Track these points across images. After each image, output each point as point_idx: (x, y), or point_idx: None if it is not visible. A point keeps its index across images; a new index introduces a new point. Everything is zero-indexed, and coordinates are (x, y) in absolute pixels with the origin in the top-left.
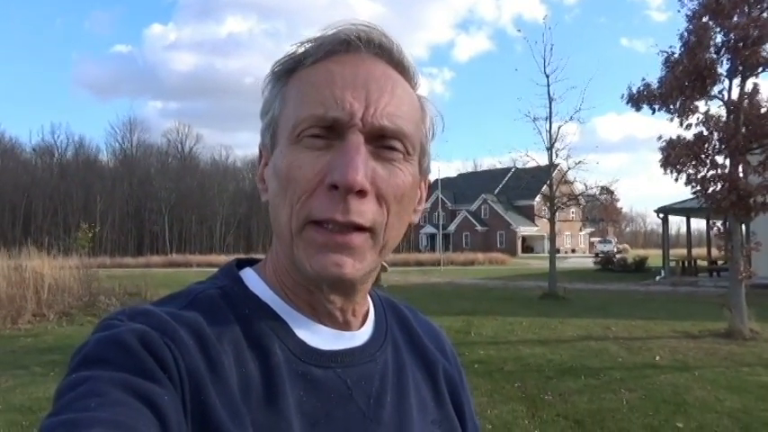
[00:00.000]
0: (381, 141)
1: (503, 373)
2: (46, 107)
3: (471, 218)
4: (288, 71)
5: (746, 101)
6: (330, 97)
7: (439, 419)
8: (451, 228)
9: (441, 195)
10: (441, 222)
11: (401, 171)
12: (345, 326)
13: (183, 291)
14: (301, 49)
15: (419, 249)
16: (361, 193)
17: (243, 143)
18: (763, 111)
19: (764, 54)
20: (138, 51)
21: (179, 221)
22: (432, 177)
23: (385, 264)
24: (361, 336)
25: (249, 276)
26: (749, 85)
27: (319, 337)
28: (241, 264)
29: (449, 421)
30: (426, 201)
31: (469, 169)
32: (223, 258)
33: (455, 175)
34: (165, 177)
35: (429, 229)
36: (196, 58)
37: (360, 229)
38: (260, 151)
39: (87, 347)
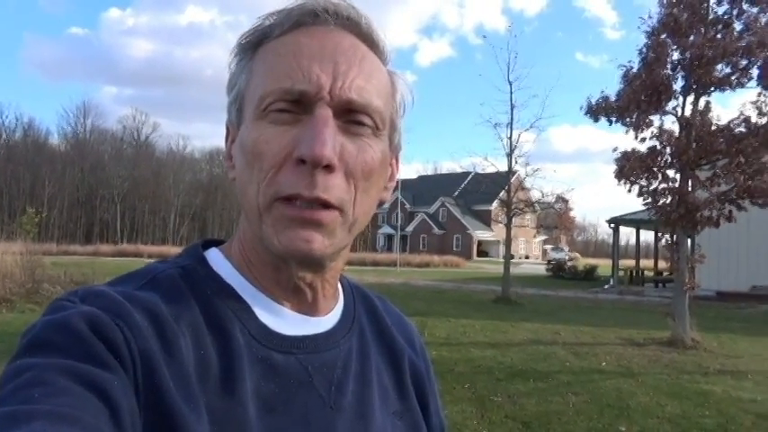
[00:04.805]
0: (350, 116)
1: (454, 374)
2: None
3: (429, 220)
4: (254, 44)
5: (698, 118)
6: (297, 69)
7: (401, 411)
8: (409, 229)
9: (400, 196)
10: (399, 223)
11: (370, 147)
12: (313, 307)
13: (142, 269)
14: (268, 22)
15: (376, 249)
16: (329, 168)
17: (202, 134)
18: (713, 128)
19: (717, 74)
20: (94, 35)
21: (131, 210)
22: None
23: None
24: (327, 322)
25: (214, 256)
26: (702, 103)
27: (283, 322)
28: (209, 244)
29: (411, 413)
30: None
31: (429, 172)
32: (176, 250)
33: (415, 177)
34: (118, 164)
35: (386, 230)
36: (155, 45)
37: (328, 206)
38: (227, 127)
39: (35, 331)
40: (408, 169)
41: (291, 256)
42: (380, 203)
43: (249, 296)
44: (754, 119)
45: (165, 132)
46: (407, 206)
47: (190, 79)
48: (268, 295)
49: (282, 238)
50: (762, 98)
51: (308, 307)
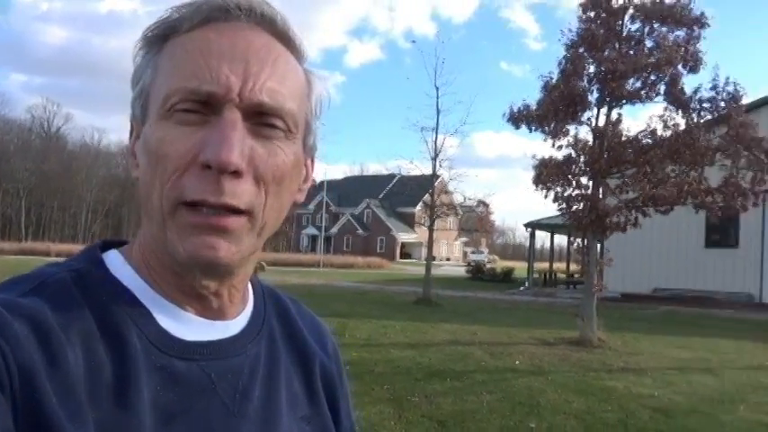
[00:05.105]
0: (260, 118)
1: (373, 375)
2: None
3: (354, 221)
4: (161, 37)
5: (610, 129)
6: (205, 69)
7: (309, 415)
8: (334, 230)
9: (325, 197)
10: (323, 224)
11: (282, 150)
12: (219, 313)
13: (30, 273)
14: (176, 15)
15: (300, 250)
16: (236, 174)
17: (119, 127)
18: (623, 139)
19: (628, 88)
20: (2, 19)
21: (38, 206)
22: (317, 179)
23: (263, 263)
24: (234, 326)
25: (112, 259)
26: (614, 115)
27: (186, 327)
28: (109, 246)
29: (320, 417)
30: (310, 202)
31: (356, 173)
32: None
33: (341, 178)
34: (25, 157)
35: (311, 230)
36: (71, 32)
37: (236, 211)
38: (131, 123)
39: None
40: (334, 170)
41: (196, 264)
42: (294, 204)
43: (149, 301)
44: (659, 131)
45: (79, 124)
46: (332, 207)
47: (108, 70)
48: (170, 300)
49: (187, 246)
50: (667, 112)
51: (214, 312)
